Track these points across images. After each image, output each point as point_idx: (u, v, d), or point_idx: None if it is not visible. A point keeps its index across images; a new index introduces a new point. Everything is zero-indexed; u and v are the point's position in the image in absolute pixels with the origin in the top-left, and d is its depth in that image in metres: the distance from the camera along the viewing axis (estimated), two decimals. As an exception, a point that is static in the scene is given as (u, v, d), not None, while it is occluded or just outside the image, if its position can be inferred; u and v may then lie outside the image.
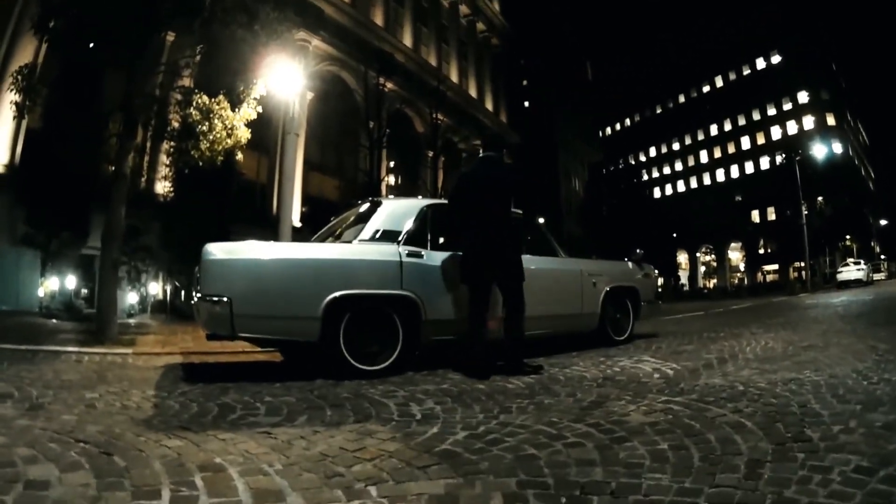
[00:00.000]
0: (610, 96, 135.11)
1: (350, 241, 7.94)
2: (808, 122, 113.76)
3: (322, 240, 9.47)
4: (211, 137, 13.47)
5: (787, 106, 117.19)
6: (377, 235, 7.82)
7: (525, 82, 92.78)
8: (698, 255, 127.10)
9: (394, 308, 7.58)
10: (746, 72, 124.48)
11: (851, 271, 55.46)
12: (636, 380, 6.45)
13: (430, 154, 45.55)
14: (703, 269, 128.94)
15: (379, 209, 8.08)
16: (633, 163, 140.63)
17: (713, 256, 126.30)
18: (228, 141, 13.84)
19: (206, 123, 13.36)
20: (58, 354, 9.70)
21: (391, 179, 46.86)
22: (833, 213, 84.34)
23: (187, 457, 3.64)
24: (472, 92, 59.46)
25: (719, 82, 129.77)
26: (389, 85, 43.28)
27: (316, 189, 40.21)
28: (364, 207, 8.81)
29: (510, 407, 5.22)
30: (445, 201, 8.81)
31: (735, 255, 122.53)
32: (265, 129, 17.94)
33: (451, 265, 7.98)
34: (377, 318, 7.48)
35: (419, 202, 8.57)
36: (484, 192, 7.46)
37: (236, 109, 13.86)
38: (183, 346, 11.34)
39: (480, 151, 8.18)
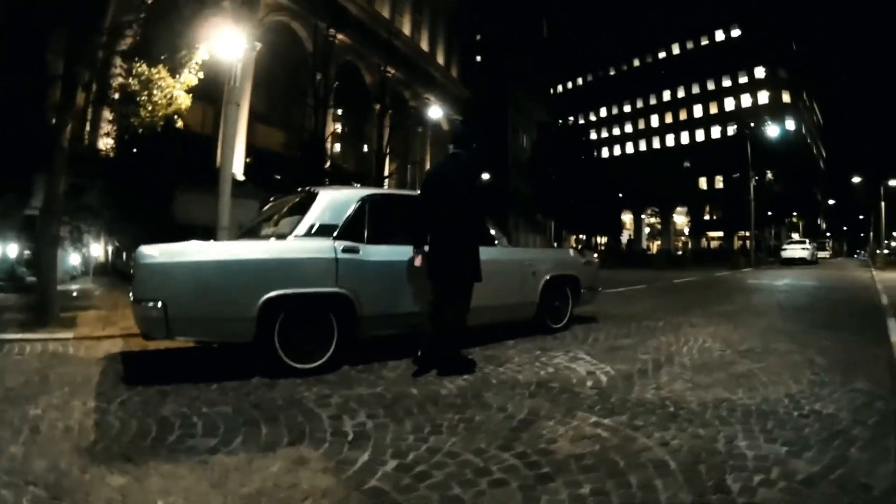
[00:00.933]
0: (564, 55, 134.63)
1: (285, 236, 7.76)
2: (763, 97, 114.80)
3: (258, 229, 9.31)
4: (150, 106, 13.26)
5: (743, 79, 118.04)
6: (312, 230, 7.70)
7: (479, 37, 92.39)
8: (643, 217, 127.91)
9: (329, 306, 7.55)
10: (704, 42, 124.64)
11: (796, 250, 55.23)
12: (569, 388, 6.52)
13: (378, 107, 45.13)
14: (647, 230, 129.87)
15: (315, 202, 7.91)
16: (582, 122, 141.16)
17: (658, 219, 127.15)
18: (169, 108, 13.64)
19: (146, 93, 13.15)
20: (-1, 344, 9.49)
21: (337, 141, 46.38)
22: (782, 189, 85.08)
23: (131, 499, 3.71)
24: (425, 45, 58.94)
25: (676, 49, 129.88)
26: (340, 36, 42.85)
27: (262, 141, 39.67)
28: (300, 198, 8.56)
29: (441, 425, 5.27)
30: (385, 191, 8.93)
31: (680, 220, 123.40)
32: (212, 80, 17.64)
33: (388, 259, 8.03)
34: (312, 316, 7.44)
35: (357, 192, 8.45)
36: (447, 189, 7.48)
37: (177, 76, 13.63)
38: (123, 326, 11.03)
39: (450, 148, 8.21)
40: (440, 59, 61.61)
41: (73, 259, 23.43)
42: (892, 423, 5.37)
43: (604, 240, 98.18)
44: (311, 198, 8.08)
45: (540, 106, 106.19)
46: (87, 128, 23.55)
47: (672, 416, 5.52)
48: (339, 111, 46.70)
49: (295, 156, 37.03)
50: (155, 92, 13.21)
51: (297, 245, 7.54)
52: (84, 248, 24.40)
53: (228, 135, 15.80)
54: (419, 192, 8.02)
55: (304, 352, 7.31)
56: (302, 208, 8.04)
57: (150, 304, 6.59)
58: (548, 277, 10.37)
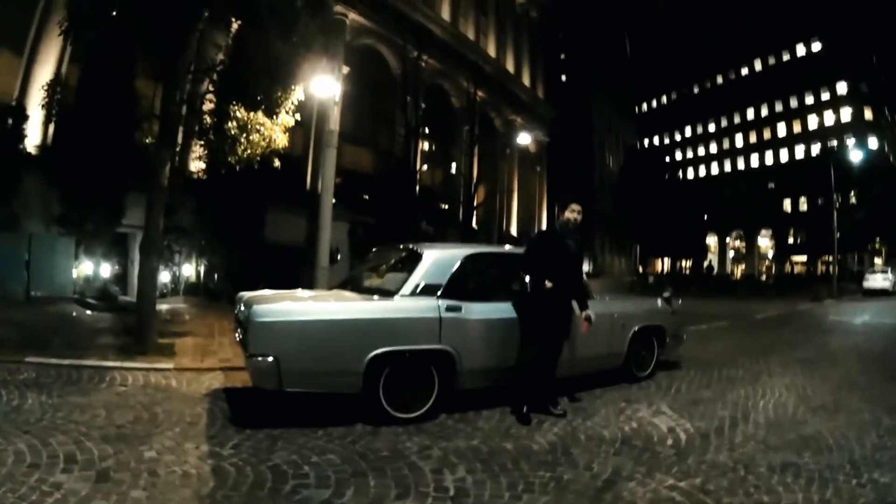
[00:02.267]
0: (647, 73, 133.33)
1: (391, 293, 8.22)
2: (846, 113, 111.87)
3: (361, 279, 9.87)
4: (246, 145, 13.69)
5: (825, 96, 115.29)
6: (418, 290, 8.13)
7: (563, 56, 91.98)
8: (728, 239, 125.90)
9: (431, 360, 7.99)
10: (786, 58, 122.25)
11: (878, 280, 53.57)
12: (650, 447, 6.88)
13: (466, 129, 45.04)
14: (731, 253, 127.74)
15: (421, 261, 8.31)
16: (667, 142, 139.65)
17: (743, 242, 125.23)
18: (267, 149, 14.07)
19: (244, 136, 13.58)
20: (101, 373, 9.94)
21: (424, 163, 46.44)
22: (865, 213, 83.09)
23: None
24: (510, 66, 58.55)
25: (758, 66, 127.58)
26: (426, 59, 43.11)
27: (350, 162, 40.02)
28: (405, 254, 9.23)
29: (533, 483, 5.71)
30: (485, 249, 9.57)
31: (764, 243, 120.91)
32: (302, 102, 17.98)
33: (488, 317, 8.44)
34: (415, 369, 7.89)
35: (460, 252, 8.86)
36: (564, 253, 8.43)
37: (274, 117, 14.02)
38: (222, 358, 11.62)
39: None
40: (525, 80, 61.16)
41: (164, 277, 23.91)
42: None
43: (688, 263, 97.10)
44: (416, 257, 8.57)
45: (625, 125, 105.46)
46: (179, 149, 24.30)
47: (741, 480, 5.86)
48: (427, 134, 46.75)
49: (384, 178, 37.35)
50: (253, 135, 13.61)
51: (403, 305, 8.02)
52: (175, 267, 24.99)
53: (326, 178, 16.15)
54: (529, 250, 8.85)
55: (407, 402, 7.79)
56: (406, 265, 8.61)
57: (262, 359, 7.12)
58: (636, 328, 10.65)
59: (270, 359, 7.12)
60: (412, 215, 33.35)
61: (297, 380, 7.33)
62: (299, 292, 9.19)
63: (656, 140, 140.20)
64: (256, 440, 6.74)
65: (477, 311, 8.40)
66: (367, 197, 37.16)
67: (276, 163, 14.93)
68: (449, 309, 8.15)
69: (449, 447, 6.73)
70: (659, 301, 11.99)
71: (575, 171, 74.76)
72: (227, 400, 8.65)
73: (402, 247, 9.64)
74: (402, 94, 38.91)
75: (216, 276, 26.08)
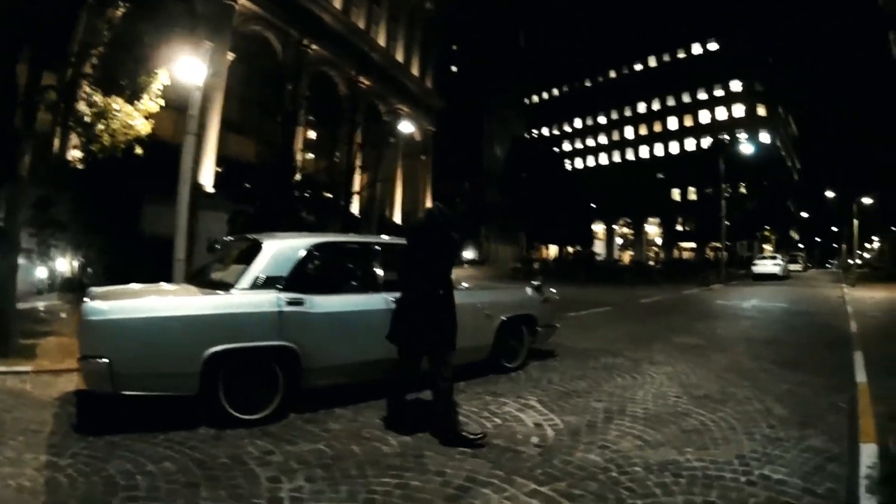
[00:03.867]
0: (541, 66, 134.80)
1: (229, 287, 7.66)
2: (739, 110, 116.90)
3: (207, 273, 9.17)
4: (109, 134, 13.06)
5: (719, 92, 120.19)
6: (257, 283, 7.61)
7: (455, 47, 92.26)
8: (615, 227, 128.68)
9: (273, 358, 7.48)
10: (681, 55, 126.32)
11: (767, 265, 54.71)
12: (513, 446, 6.47)
13: (351, 119, 44.44)
14: (619, 241, 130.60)
15: (260, 252, 7.82)
16: (557, 133, 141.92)
17: (631, 230, 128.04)
18: (129, 136, 13.44)
19: (103, 122, 12.94)
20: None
21: (309, 152, 45.82)
22: (755, 203, 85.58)
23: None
24: (399, 56, 58.26)
25: (653, 62, 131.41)
26: (315, 47, 42.45)
27: (234, 151, 39.15)
28: (246, 246, 8.53)
29: (376, 491, 5.26)
30: (335, 238, 8.95)
31: (653, 230, 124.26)
32: (183, 88, 17.38)
33: (336, 310, 7.99)
34: (257, 368, 7.39)
35: (303, 241, 8.33)
36: (419, 246, 7.27)
37: (135, 102, 13.39)
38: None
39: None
40: (415, 70, 61.06)
41: (40, 273, 23.01)
42: (843, 492, 5.37)
43: (575, 249, 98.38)
44: (257, 248, 7.97)
45: (515, 116, 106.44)
46: (57, 141, 23.21)
47: (613, 483, 5.49)
48: (313, 122, 46.11)
49: (265, 166, 36.62)
50: (112, 121, 12.96)
51: (240, 299, 7.47)
52: (50, 262, 23.99)
53: (185, 166, 15.28)
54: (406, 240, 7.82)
55: (250, 403, 7.25)
56: (247, 257, 7.96)
57: (94, 360, 6.56)
58: (503, 318, 10.27)
59: (102, 360, 6.52)
60: (292, 204, 32.66)
61: (132, 382, 6.71)
62: (152, 287, 8.46)
63: (546, 131, 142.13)
64: (96, 448, 6.19)
65: (324, 304, 7.91)
66: (248, 186, 36.31)
67: (138, 150, 14.24)
68: (291, 303, 7.65)
69: (292, 452, 6.24)
70: (528, 289, 11.58)
71: (462, 160, 75.09)
72: (76, 404, 8.01)
73: (246, 237, 9.02)
74: (284, 81, 38.18)
75: (89, 270, 25.11)
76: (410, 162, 58.14)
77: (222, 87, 35.08)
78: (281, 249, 8.00)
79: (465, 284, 10.25)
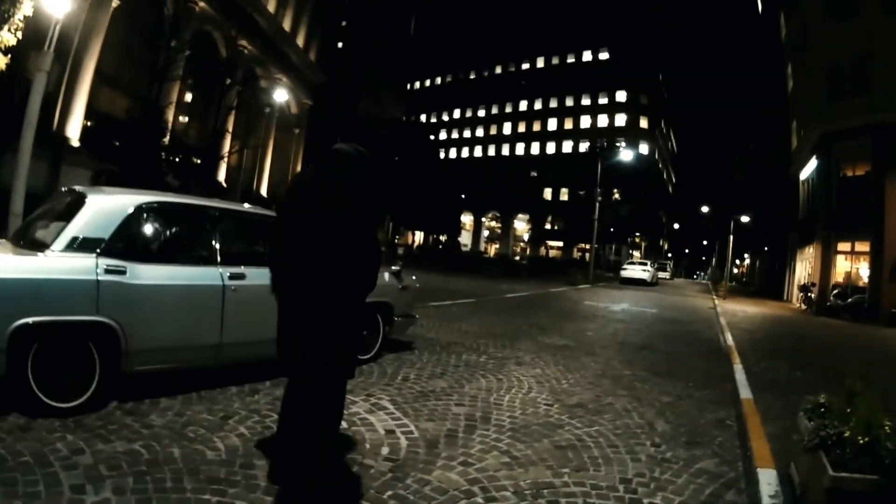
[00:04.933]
0: (428, 53, 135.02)
1: (44, 247, 6.32)
2: (621, 119, 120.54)
3: (29, 228, 7.66)
4: None
5: (603, 101, 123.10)
6: (74, 245, 6.29)
7: (344, 24, 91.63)
8: (484, 219, 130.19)
9: (89, 336, 6.26)
10: (571, 60, 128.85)
11: (636, 270, 55.16)
12: (359, 459, 5.56)
13: (228, 82, 42.91)
14: (486, 233, 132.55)
15: (82, 209, 6.51)
16: (434, 121, 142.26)
17: (499, 224, 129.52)
18: None
19: None
20: None
21: (184, 115, 44.38)
22: (628, 209, 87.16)
23: None
24: (287, 24, 57.16)
25: (541, 63, 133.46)
26: (201, 4, 41.17)
27: (105, 105, 37.20)
28: (69, 200, 7.08)
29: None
30: (171, 198, 7.63)
31: (521, 226, 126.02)
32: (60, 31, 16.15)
33: (164, 283, 6.77)
34: (72, 348, 6.17)
35: (131, 199, 6.96)
36: (322, 216, 4.97)
37: None
38: None
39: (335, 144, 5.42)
40: (300, 41, 59.94)
41: None
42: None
43: (443, 238, 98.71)
44: (80, 202, 6.69)
45: (395, 101, 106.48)
46: None
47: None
48: (188, 84, 44.57)
49: (134, 125, 35.03)
50: None
51: (52, 263, 6.17)
52: None
53: (32, 107, 13.89)
54: (276, 210, 5.77)
55: (66, 388, 6.08)
56: (67, 215, 6.65)
57: None
58: (356, 302, 9.23)
59: None
60: (158, 166, 31.32)
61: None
62: None
63: (424, 118, 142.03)
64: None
65: (151, 274, 6.67)
66: (117, 143, 34.65)
67: None
68: (110, 271, 6.36)
69: (104, 452, 5.17)
70: (386, 274, 10.47)
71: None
72: None
73: (73, 190, 7.43)
74: (165, 36, 36.63)
75: None
76: (283, 135, 57.24)
77: (101, 35, 33.23)
78: (105, 206, 6.68)
79: None
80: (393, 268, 10.81)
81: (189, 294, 6.99)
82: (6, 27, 12.52)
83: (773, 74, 56.39)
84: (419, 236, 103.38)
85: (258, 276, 7.00)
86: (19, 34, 12.90)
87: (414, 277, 11.61)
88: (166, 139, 34.61)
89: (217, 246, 7.40)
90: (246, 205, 8.99)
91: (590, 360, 11.71)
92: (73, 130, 31.78)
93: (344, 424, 6.18)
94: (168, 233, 7.16)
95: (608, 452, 6.15)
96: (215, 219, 7.61)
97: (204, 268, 7.19)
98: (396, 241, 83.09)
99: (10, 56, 12.91)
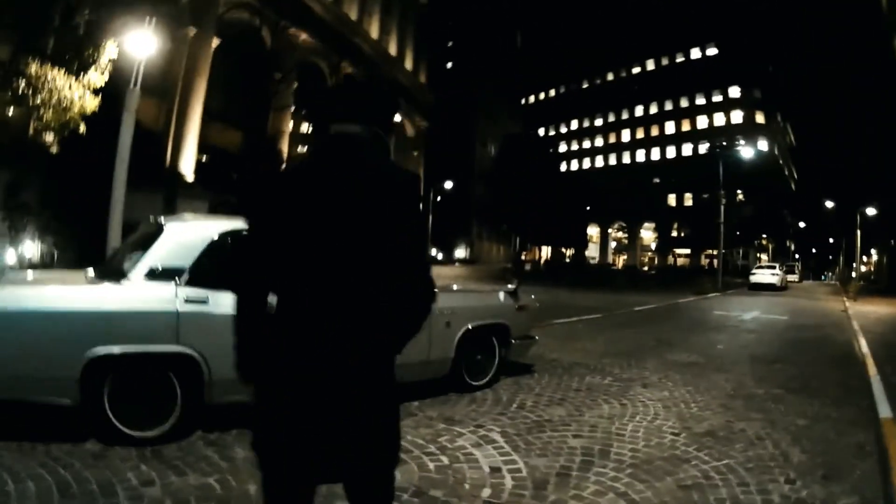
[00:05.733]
0: (538, 66, 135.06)
1: (122, 276, 6.20)
2: (737, 116, 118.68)
3: (115, 257, 7.77)
4: (50, 109, 11.92)
5: (717, 98, 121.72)
6: (154, 274, 6.13)
7: (451, 44, 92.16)
8: (610, 230, 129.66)
9: (170, 366, 6.06)
10: (680, 59, 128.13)
11: (766, 275, 53.32)
12: (455, 501, 4.92)
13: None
14: (614, 244, 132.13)
15: (160, 238, 6.33)
16: (553, 134, 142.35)
17: (626, 234, 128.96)
18: (73, 111, 12.30)
19: (40, 96, 11.79)
20: None
21: (299, 144, 44.97)
22: (752, 211, 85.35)
23: None
24: (392, 49, 57.62)
25: (651, 65, 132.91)
26: (303, 36, 41.69)
27: (217, 140, 38.17)
28: (148, 230, 6.99)
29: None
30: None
31: (648, 235, 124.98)
32: (164, 72, 16.29)
33: None
34: (150, 377, 6.01)
35: (211, 227, 6.73)
36: (334, 223, 2.86)
37: (81, 76, 12.24)
38: None
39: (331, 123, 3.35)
40: (408, 64, 60.35)
41: (10, 257, 22.10)
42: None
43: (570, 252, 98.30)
44: (158, 230, 6.48)
45: (510, 116, 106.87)
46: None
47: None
48: (299, 114, 45.14)
49: (251, 157, 35.65)
50: (46, 93, 11.81)
51: (130, 293, 6.02)
52: (19, 245, 23.07)
53: (122, 143, 13.88)
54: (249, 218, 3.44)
55: (145, 418, 5.95)
56: (146, 243, 6.45)
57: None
58: (469, 327, 8.62)
59: None
60: (278, 196, 31.94)
61: (-1, 385, 5.53)
62: (58, 274, 7.85)
63: (542, 132, 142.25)
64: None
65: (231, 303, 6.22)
66: (235, 176, 35.29)
67: (82, 128, 13.13)
68: (191, 300, 6.12)
69: (174, 486, 4.90)
70: (501, 294, 9.80)
71: (455, 157, 74.52)
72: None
73: (154, 219, 7.25)
74: (271, 70, 37.20)
75: (55, 256, 24.11)
76: (402, 157, 57.42)
77: (205, 74, 34.07)
78: (183, 235, 6.50)
79: None
80: (509, 286, 10.10)
81: None
82: (93, 69, 12.55)
83: (880, 51, 54.36)
84: (546, 251, 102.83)
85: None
86: (105, 76, 12.95)
87: (533, 296, 10.79)
88: (283, 168, 35.05)
89: None
90: None
91: (720, 378, 10.69)
92: (187, 166, 32.87)
93: (445, 460, 5.68)
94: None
95: (737, 493, 5.28)
96: None
97: None
98: (524, 257, 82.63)
99: (99, 96, 12.96)
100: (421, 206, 3.16)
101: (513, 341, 9.49)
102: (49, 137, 15.73)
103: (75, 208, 23.53)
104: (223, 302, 6.05)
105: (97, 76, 12.69)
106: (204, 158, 35.59)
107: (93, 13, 13.16)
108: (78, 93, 12.42)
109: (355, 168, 2.93)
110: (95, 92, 12.80)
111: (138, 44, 13.57)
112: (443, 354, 8.30)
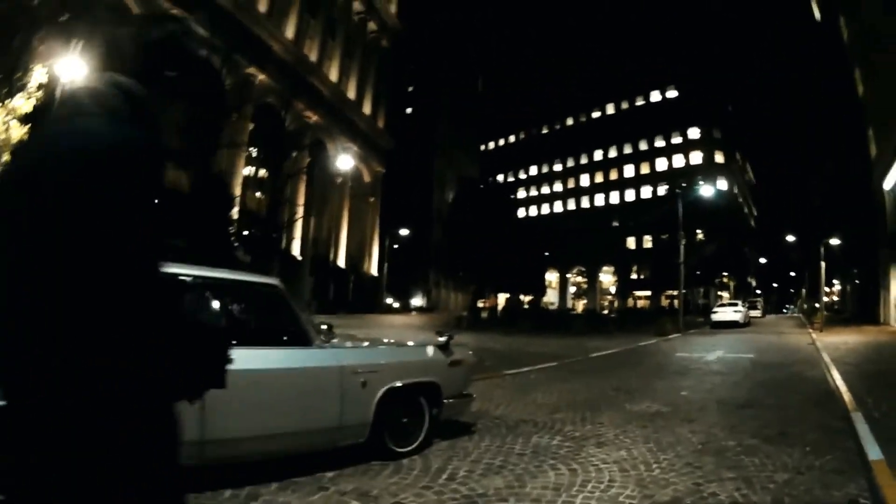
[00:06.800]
0: (498, 111, 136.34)
1: None
2: (697, 157, 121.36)
3: None
4: None
5: (677, 140, 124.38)
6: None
7: (410, 88, 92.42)
8: (569, 275, 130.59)
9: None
10: (640, 102, 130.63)
11: (728, 312, 53.28)
12: None
13: (295, 154, 42.70)
14: (573, 289, 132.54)
15: None
16: (512, 179, 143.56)
17: (585, 279, 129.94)
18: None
19: None
20: None
21: (250, 187, 44.38)
22: (713, 249, 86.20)
23: None
24: (351, 93, 57.30)
25: (610, 109, 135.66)
26: (262, 76, 41.14)
27: (169, 183, 37.29)
28: None
29: None
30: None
31: (607, 278, 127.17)
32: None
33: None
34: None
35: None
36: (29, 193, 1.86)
37: (6, 102, 11.43)
38: None
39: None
40: (367, 108, 60.00)
41: None
42: None
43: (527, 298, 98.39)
44: None
45: (470, 161, 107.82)
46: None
47: None
48: (255, 156, 44.45)
49: (199, 198, 34.57)
50: None
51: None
52: None
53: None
54: None
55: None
56: None
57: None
58: (392, 386, 7.62)
59: None
60: (226, 241, 30.48)
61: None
62: None
63: (501, 177, 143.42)
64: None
65: None
66: (180, 219, 34.27)
67: (6, 156, 12.41)
68: None
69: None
70: (429, 349, 8.78)
71: (412, 203, 74.44)
72: None
73: None
74: (228, 110, 36.33)
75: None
76: (358, 203, 57.06)
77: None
78: None
79: (337, 339, 8.00)
80: (439, 339, 8.96)
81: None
82: (19, 95, 11.79)
83: (840, 84, 55.00)
84: (503, 298, 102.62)
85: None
86: (33, 100, 12.22)
87: (471, 352, 9.78)
88: (234, 212, 34.03)
89: None
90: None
91: (686, 431, 9.54)
92: (136, 206, 31.71)
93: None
94: None
95: None
96: None
97: None
98: (482, 304, 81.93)
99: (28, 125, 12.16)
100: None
101: (446, 401, 8.49)
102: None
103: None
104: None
105: (22, 102, 11.85)
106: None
107: (23, 35, 12.45)
108: (10, 118, 11.59)
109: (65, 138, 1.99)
110: (22, 120, 11.94)
111: (66, 68, 12.88)
112: (359, 418, 7.31)
